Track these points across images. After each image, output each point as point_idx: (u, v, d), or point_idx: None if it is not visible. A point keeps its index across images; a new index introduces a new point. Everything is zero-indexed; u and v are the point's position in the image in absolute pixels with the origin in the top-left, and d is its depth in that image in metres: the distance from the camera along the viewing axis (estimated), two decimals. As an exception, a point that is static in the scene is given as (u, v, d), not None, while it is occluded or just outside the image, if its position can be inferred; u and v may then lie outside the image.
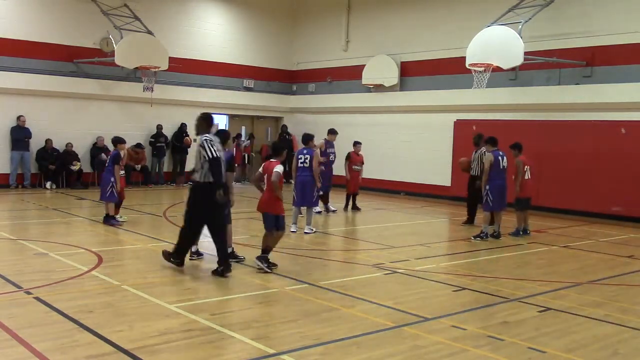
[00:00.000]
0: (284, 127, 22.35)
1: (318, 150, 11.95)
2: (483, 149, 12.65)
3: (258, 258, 8.25)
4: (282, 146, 8.78)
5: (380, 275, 8.45)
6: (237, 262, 8.62)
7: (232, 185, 8.79)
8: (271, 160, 8.43)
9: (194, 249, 8.89)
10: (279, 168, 8.16)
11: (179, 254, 8.27)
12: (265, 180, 8.25)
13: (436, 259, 9.90)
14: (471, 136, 16.96)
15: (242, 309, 6.68)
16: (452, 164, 17.97)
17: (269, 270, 8.13)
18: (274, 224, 8.23)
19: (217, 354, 5.19)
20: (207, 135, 8.07)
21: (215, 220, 8.12)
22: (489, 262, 9.79)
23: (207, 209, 8.01)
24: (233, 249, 8.85)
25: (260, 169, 8.47)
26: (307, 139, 11.84)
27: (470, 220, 13.52)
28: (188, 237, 8.30)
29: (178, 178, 20.44)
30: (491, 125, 16.22)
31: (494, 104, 16.92)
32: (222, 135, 8.67)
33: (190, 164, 20.78)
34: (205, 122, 8.22)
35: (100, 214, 12.39)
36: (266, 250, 8.28)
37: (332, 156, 14.40)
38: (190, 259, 8.77)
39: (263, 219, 8.32)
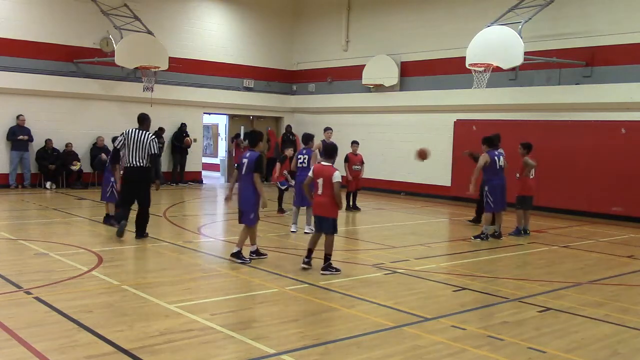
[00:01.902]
0: (289, 127, 22.32)
1: (317, 152, 11.95)
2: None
3: (324, 268, 8.24)
4: (335, 148, 8.61)
5: (380, 275, 8.44)
6: (259, 258, 8.78)
7: (261, 187, 8.74)
8: (322, 163, 8.40)
9: (253, 248, 8.88)
10: (339, 176, 8.18)
11: (120, 228, 10.19)
12: (321, 184, 8.20)
13: (436, 259, 9.90)
14: (471, 136, 17.03)
15: (242, 309, 6.68)
16: (452, 164, 17.99)
17: (338, 272, 8.21)
18: (332, 227, 8.28)
19: (217, 354, 5.19)
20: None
21: (145, 198, 10.29)
22: (489, 262, 9.79)
23: (141, 188, 10.21)
24: (257, 247, 8.89)
25: (311, 173, 8.43)
26: (307, 139, 11.86)
27: (477, 219, 13.40)
28: (125, 212, 10.34)
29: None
30: (491, 125, 16.22)
31: (494, 104, 16.92)
32: (253, 137, 9.00)
33: (190, 164, 20.89)
34: (149, 121, 10.49)
35: (100, 214, 12.39)
36: (328, 256, 8.30)
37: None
38: (250, 258, 8.80)
39: (318, 222, 8.36)
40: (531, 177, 12.18)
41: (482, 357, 5.32)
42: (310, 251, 8.46)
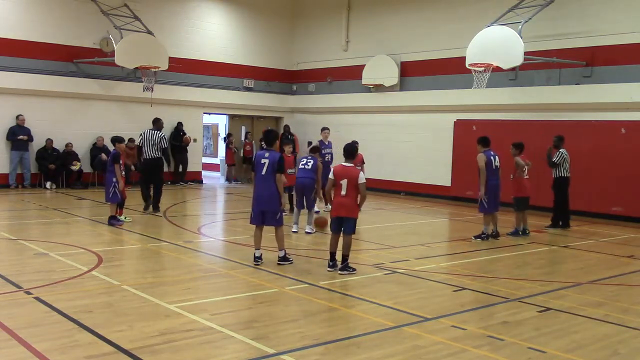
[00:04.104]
0: (287, 127, 22.31)
1: (320, 164, 11.88)
2: (563, 150, 12.72)
3: (342, 269, 8.28)
4: (356, 148, 8.66)
5: (380, 275, 8.44)
6: (289, 263, 8.65)
7: (282, 188, 8.62)
8: (344, 164, 8.37)
9: (257, 254, 8.72)
10: (364, 177, 8.24)
11: (147, 202, 13.66)
12: (345, 185, 8.17)
13: (436, 259, 9.90)
14: (471, 136, 17.02)
15: (242, 309, 6.68)
16: (452, 164, 17.99)
17: (354, 272, 8.25)
18: (353, 228, 8.29)
19: (217, 354, 5.19)
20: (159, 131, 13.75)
21: (158, 180, 13.74)
22: (489, 262, 9.79)
23: (155, 173, 13.59)
24: (285, 251, 8.76)
25: (332, 175, 8.39)
26: (315, 150, 12.03)
27: (565, 223, 13.23)
28: (146, 192, 13.66)
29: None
30: (491, 125, 16.24)
31: (494, 104, 16.92)
32: (270, 136, 8.82)
33: (190, 164, 20.89)
34: (160, 122, 14.00)
35: (99, 214, 12.42)
36: (346, 257, 8.31)
37: (328, 156, 14.39)
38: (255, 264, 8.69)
39: (338, 222, 8.30)
40: (525, 177, 12.14)
41: (482, 357, 5.32)
42: (333, 254, 8.45)
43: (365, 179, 8.40)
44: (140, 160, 13.92)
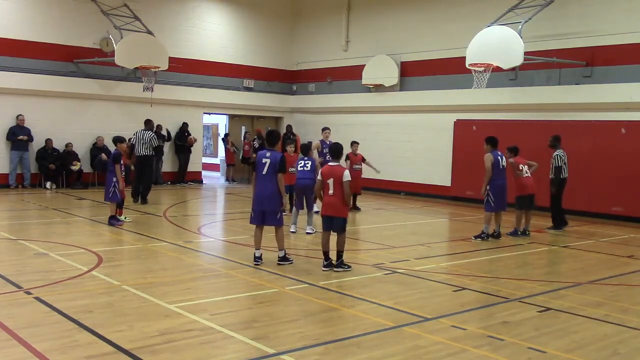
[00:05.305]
0: (289, 127, 22.29)
1: (315, 151, 11.87)
2: (559, 151, 12.70)
3: (337, 266, 8.36)
4: (341, 148, 8.70)
5: (380, 275, 8.44)
6: (289, 264, 8.66)
7: (284, 188, 8.60)
8: (331, 164, 8.41)
9: (257, 254, 8.70)
10: (349, 175, 8.25)
11: (135, 195, 15.00)
12: (332, 184, 8.21)
13: (436, 259, 9.90)
14: (471, 136, 17.04)
15: (242, 309, 6.68)
16: (452, 164, 17.99)
17: (349, 269, 8.34)
18: (342, 227, 8.32)
19: (217, 354, 5.19)
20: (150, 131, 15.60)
21: (147, 175, 15.29)
22: (489, 262, 9.79)
23: (146, 169, 15.12)
24: (285, 251, 8.76)
25: (319, 176, 8.44)
26: (306, 150, 11.82)
27: (563, 223, 13.06)
28: (136, 186, 15.05)
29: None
30: (491, 125, 16.23)
31: (494, 104, 16.92)
32: (272, 136, 8.83)
33: (190, 164, 20.89)
34: (151, 123, 16.02)
35: (100, 214, 12.41)
36: (341, 252, 8.38)
37: (328, 156, 14.34)
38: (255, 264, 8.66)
39: (328, 221, 8.34)
40: (525, 175, 12.15)
41: (482, 357, 5.32)
42: (326, 254, 8.47)
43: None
44: (131, 159, 14.73)
